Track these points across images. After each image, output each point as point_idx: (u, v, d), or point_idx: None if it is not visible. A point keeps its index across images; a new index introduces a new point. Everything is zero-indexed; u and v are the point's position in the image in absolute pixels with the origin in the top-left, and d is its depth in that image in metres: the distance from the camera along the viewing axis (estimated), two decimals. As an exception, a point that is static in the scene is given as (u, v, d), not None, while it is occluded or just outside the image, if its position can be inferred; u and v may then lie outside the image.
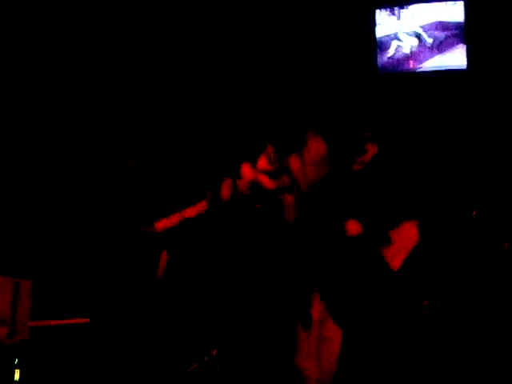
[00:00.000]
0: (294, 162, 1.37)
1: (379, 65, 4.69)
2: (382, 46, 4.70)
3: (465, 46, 4.52)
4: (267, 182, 1.32)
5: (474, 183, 3.85)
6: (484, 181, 4.12)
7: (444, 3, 4.59)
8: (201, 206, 1.36)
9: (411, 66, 4.64)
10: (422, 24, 4.64)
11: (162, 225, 1.34)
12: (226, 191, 1.35)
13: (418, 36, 4.64)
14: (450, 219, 1.35)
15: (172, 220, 1.35)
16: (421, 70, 4.62)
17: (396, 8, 4.69)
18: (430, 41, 4.61)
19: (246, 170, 1.37)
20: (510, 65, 4.39)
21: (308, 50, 4.55)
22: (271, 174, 1.32)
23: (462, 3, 4.54)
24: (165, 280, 1.35)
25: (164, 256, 1.37)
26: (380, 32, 4.70)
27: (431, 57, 4.61)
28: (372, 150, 1.35)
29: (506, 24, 4.42)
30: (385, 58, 4.70)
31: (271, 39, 4.51)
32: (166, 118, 4.46)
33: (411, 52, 4.66)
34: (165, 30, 4.51)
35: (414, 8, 4.66)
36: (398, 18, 4.69)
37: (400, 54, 4.68)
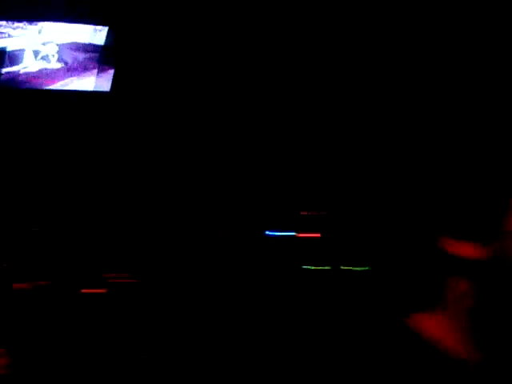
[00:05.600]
0: None
1: (2, 79, 3.85)
2: (13, 60, 3.79)
3: (96, 70, 4.04)
4: None
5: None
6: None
7: (86, 26, 3.78)
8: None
9: (39, 84, 3.97)
10: (57, 43, 3.83)
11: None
12: None
13: (50, 55, 3.86)
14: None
15: None
16: (49, 88, 4.01)
17: (25, 22, 3.63)
18: (62, 62, 3.91)
19: None
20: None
21: None
22: None
23: (106, 29, 3.83)
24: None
25: None
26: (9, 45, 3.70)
27: (63, 77, 4.00)
28: None
29: (150, 53, 4.06)
30: (11, 73, 3.85)
31: None
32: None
33: (41, 70, 3.91)
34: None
35: (49, 25, 3.71)
36: (36, 33, 3.69)
37: (29, 70, 3.88)
